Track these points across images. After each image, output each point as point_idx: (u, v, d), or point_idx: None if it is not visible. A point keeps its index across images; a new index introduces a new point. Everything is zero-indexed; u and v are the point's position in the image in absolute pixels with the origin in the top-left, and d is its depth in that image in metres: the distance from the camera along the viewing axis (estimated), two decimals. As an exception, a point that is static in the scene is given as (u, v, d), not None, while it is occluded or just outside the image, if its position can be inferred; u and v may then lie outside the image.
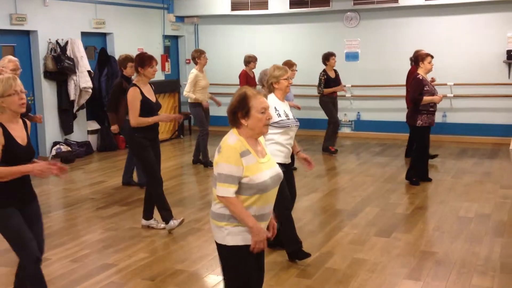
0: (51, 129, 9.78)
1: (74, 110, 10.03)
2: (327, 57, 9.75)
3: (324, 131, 10.16)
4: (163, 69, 12.54)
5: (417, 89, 7.20)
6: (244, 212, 2.98)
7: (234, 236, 3.03)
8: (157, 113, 5.73)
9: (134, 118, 5.48)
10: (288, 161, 4.95)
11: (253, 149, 3.04)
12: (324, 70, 9.73)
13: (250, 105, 3.01)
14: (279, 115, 4.78)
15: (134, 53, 11.67)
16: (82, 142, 10.17)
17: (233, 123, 3.09)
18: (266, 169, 3.04)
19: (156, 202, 5.76)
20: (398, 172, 8.41)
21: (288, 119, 4.83)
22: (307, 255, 4.92)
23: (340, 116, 11.94)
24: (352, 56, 11.88)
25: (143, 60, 5.56)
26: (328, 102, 9.79)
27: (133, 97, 5.49)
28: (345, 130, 12.07)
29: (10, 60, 5.97)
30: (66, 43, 9.77)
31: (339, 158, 9.71)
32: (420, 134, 7.40)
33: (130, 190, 7.50)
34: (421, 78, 7.24)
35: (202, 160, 8.95)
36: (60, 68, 9.55)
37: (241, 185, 2.97)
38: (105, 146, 10.50)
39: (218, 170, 2.99)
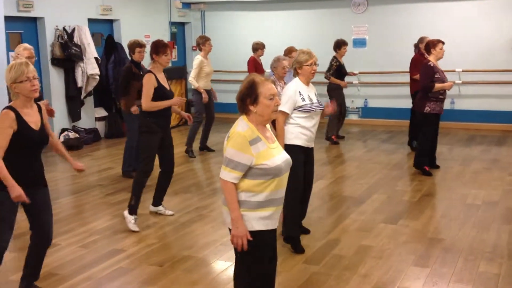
0: (59, 116, 9.78)
1: (82, 97, 10.05)
2: (339, 46, 9.57)
3: (326, 117, 10.08)
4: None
5: (427, 76, 7.11)
6: (234, 202, 3.02)
7: (250, 222, 3.05)
8: None
9: (147, 102, 5.50)
10: (311, 145, 4.97)
11: (263, 135, 3.07)
12: (335, 57, 9.61)
13: (258, 92, 3.03)
14: (303, 99, 4.78)
15: (140, 39, 11.65)
16: (89, 129, 10.21)
17: (242, 109, 3.11)
18: (277, 153, 3.10)
19: (134, 188, 5.57)
20: (405, 159, 8.39)
21: (312, 103, 4.83)
22: (303, 250, 4.88)
23: (347, 103, 11.90)
24: (359, 43, 11.81)
25: (158, 48, 5.56)
26: (336, 88, 9.69)
27: (148, 83, 5.50)
28: (352, 117, 12.04)
29: (26, 48, 5.97)
30: (73, 30, 9.77)
31: (346, 145, 9.70)
32: (428, 121, 7.32)
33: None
34: (432, 65, 7.13)
35: (186, 146, 8.92)
36: (68, 55, 9.56)
37: (258, 171, 3.00)
38: (113, 133, 10.54)
39: (225, 154, 3.04)
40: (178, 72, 12.10)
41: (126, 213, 5.59)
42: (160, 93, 5.55)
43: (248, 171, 3.02)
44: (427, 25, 10.87)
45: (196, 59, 8.77)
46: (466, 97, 11.14)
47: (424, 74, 7.18)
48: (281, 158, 3.10)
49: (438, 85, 7.09)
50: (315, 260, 4.70)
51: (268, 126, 3.21)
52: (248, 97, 3.05)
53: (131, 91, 7.10)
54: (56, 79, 9.73)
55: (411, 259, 4.70)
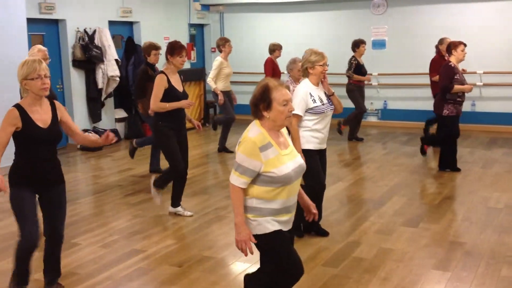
0: (79, 117, 9.92)
1: (102, 98, 10.15)
2: (357, 45, 9.62)
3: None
4: (188, 57, 12.58)
5: (447, 76, 7.04)
6: (239, 207, 3.03)
7: (263, 225, 3.07)
8: None
9: (154, 103, 5.50)
10: (323, 146, 4.96)
11: (275, 141, 3.04)
12: (354, 56, 9.61)
13: (271, 97, 3.00)
14: (314, 101, 4.76)
15: (160, 42, 11.73)
16: (110, 130, 10.28)
17: (255, 114, 3.08)
18: (289, 161, 3.05)
19: (177, 185, 5.82)
20: (425, 162, 8.32)
21: (323, 104, 4.80)
22: (301, 234, 5.09)
23: (367, 104, 11.83)
24: (379, 44, 11.74)
25: (173, 49, 5.55)
26: (355, 90, 9.68)
27: (158, 84, 5.51)
28: (371, 119, 11.98)
29: (40, 50, 6.03)
30: (94, 32, 9.87)
31: (365, 147, 9.64)
32: (446, 124, 7.24)
33: (157, 177, 7.57)
34: (452, 65, 7.07)
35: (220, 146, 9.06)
36: (88, 56, 9.66)
37: (266, 178, 2.99)
38: (132, 134, 10.61)
39: (236, 158, 3.05)
40: (197, 74, 12.15)
41: (173, 208, 5.85)
42: (171, 95, 5.52)
43: (257, 178, 3.01)
44: (447, 26, 10.77)
45: (216, 60, 8.82)
46: (487, 99, 11.00)
47: (444, 75, 7.11)
48: (291, 165, 3.05)
49: (457, 87, 7.02)
50: (334, 263, 4.67)
51: (284, 130, 3.18)
52: (261, 102, 3.02)
53: (147, 94, 7.13)
54: (77, 80, 9.84)
55: (431, 262, 4.66)
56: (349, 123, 9.92)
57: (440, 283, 4.28)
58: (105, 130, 10.10)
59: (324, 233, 5.27)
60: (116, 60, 10.01)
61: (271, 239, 3.09)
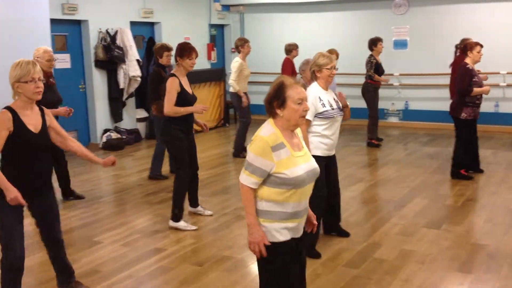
0: (101, 117, 10.03)
1: (124, 98, 10.24)
2: (375, 42, 9.42)
3: (367, 119, 9.92)
4: (209, 58, 12.64)
5: (465, 79, 6.86)
6: (250, 207, 2.90)
7: (271, 233, 2.92)
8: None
9: (169, 107, 5.35)
10: (332, 153, 4.83)
11: (288, 142, 2.92)
12: (372, 55, 9.43)
13: (286, 95, 2.89)
14: (323, 105, 4.61)
15: (180, 42, 11.79)
16: (131, 130, 10.38)
17: (269, 112, 2.98)
18: (302, 163, 2.92)
19: (178, 197, 5.51)
20: (447, 163, 8.20)
21: (333, 109, 4.67)
22: (318, 255, 4.77)
23: (388, 105, 11.79)
24: (400, 44, 11.65)
25: (183, 51, 5.41)
26: (372, 91, 9.43)
27: (171, 87, 5.36)
28: (392, 120, 11.89)
29: (46, 51, 5.90)
30: (116, 32, 9.96)
31: (386, 148, 9.57)
32: (464, 127, 7.08)
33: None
34: (470, 68, 6.90)
35: (234, 149, 8.96)
36: (110, 57, 9.75)
37: (277, 179, 2.86)
38: (153, 134, 10.66)
39: (247, 157, 2.94)
40: (217, 74, 12.19)
41: (172, 223, 5.53)
42: (183, 98, 5.40)
43: (268, 179, 2.88)
44: (470, 26, 10.63)
45: (235, 62, 8.72)
46: (510, 100, 10.84)
47: (463, 77, 6.90)
48: (305, 167, 2.92)
49: (476, 90, 6.84)
50: (355, 264, 4.65)
51: (298, 132, 3.07)
52: (276, 99, 2.92)
53: (161, 95, 7.08)
54: (99, 80, 9.94)
55: (454, 264, 4.60)
56: (374, 133, 9.66)
57: (462, 285, 4.23)
58: (126, 130, 10.22)
59: (345, 234, 5.25)
60: (137, 60, 10.09)
61: (275, 250, 2.92)
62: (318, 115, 4.61)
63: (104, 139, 9.77)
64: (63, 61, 9.45)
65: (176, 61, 5.47)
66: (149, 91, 7.52)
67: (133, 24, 10.56)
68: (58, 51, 9.34)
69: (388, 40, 11.54)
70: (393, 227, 5.54)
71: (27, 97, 3.53)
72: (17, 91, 3.52)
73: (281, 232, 2.92)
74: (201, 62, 12.49)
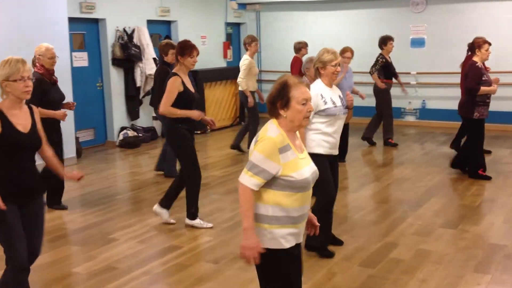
0: (118, 115, 10.10)
1: (140, 97, 10.30)
2: (385, 41, 9.19)
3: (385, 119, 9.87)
4: (225, 56, 12.66)
5: (475, 78, 6.74)
6: (249, 210, 2.76)
7: (277, 240, 2.79)
8: (194, 105, 5.46)
9: (166, 107, 5.19)
10: (335, 152, 4.65)
11: (292, 144, 2.83)
12: (381, 54, 9.21)
13: (290, 95, 2.78)
14: (325, 103, 4.46)
15: (197, 40, 11.80)
16: (147, 128, 10.44)
17: (272, 113, 2.86)
18: (306, 165, 2.85)
19: (190, 196, 5.46)
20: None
21: (335, 107, 4.52)
22: (331, 254, 4.73)
23: (404, 104, 11.71)
24: (418, 42, 11.56)
25: (184, 49, 5.26)
26: (384, 90, 9.13)
27: (173, 87, 5.20)
28: (409, 119, 11.81)
29: (48, 48, 5.83)
30: (133, 31, 10.02)
31: (403, 147, 9.50)
32: (477, 127, 6.95)
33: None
34: (480, 66, 6.79)
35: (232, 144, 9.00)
36: (127, 55, 9.81)
37: (283, 182, 2.75)
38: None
39: (251, 158, 2.78)
40: (233, 73, 12.15)
41: (188, 221, 5.53)
42: (186, 97, 5.25)
43: (273, 182, 2.76)
44: (490, 24, 10.52)
45: (245, 60, 8.53)
46: (530, 99, 10.71)
47: (472, 76, 6.78)
48: (309, 170, 2.84)
49: (484, 88, 6.73)
50: (371, 263, 4.63)
51: (297, 133, 2.97)
52: (279, 99, 2.81)
53: None
54: (116, 78, 10.01)
55: (471, 265, 4.56)
56: (389, 132, 9.40)
57: (479, 285, 4.19)
58: (143, 128, 10.29)
59: (338, 242, 5.01)
60: (154, 58, 10.13)
61: (282, 258, 2.81)
62: (319, 112, 4.46)
63: (121, 137, 9.84)
64: (80, 59, 9.54)
65: (177, 59, 5.33)
66: (155, 89, 7.42)
67: (150, 22, 10.62)
68: (76, 49, 9.44)
69: (405, 38, 11.47)
70: (409, 227, 5.50)
71: (15, 96, 3.37)
72: (5, 90, 3.36)
73: (287, 238, 2.81)
74: (217, 61, 12.53)
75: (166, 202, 5.64)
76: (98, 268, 4.59)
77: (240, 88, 8.67)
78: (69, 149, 8.50)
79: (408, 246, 4.99)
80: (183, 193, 5.53)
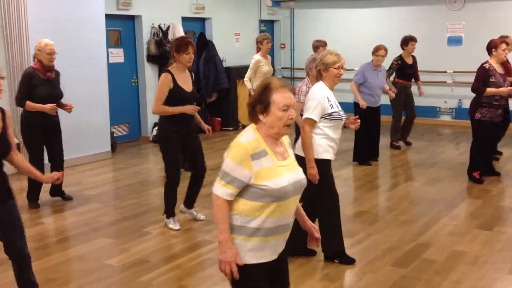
0: (151, 112, 10.20)
1: (174, 93, 10.38)
2: (406, 42, 8.84)
3: (418, 118, 9.62)
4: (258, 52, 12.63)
5: (480, 78, 6.55)
6: (224, 223, 2.56)
7: (242, 254, 2.59)
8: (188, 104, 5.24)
9: (156, 106, 5.08)
10: (334, 157, 4.47)
11: (271, 149, 2.59)
12: (400, 56, 8.85)
13: (270, 100, 2.55)
14: (332, 106, 4.27)
15: (230, 38, 11.84)
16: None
17: (251, 117, 2.64)
18: (286, 173, 2.59)
19: (167, 197, 5.42)
20: (502, 164, 7.96)
21: (341, 110, 4.38)
22: (351, 260, 4.57)
23: (440, 103, 11.52)
24: (455, 41, 11.33)
25: (180, 46, 5.09)
26: (400, 92, 8.70)
27: (162, 84, 5.05)
28: (445, 118, 11.60)
29: (47, 44, 5.81)
30: (168, 27, 10.11)
31: (438, 147, 9.35)
32: (478, 128, 6.69)
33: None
34: (487, 67, 6.56)
35: None
36: (162, 52, 9.91)
37: (256, 190, 2.54)
38: (200, 128, 10.78)
39: (223, 165, 2.58)
40: (266, 70, 12.18)
41: (165, 219, 5.49)
42: (177, 95, 5.07)
43: (246, 190, 2.55)
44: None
45: (253, 59, 8.24)
46: None
47: (478, 77, 6.61)
48: (289, 178, 2.58)
49: (490, 90, 6.47)
50: (403, 263, 4.57)
51: (285, 140, 2.73)
52: (259, 103, 2.58)
53: None
54: (150, 75, 10.13)
55: (506, 267, 4.46)
56: (397, 135, 9.12)
57: (516, 289, 4.10)
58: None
59: (310, 253, 4.74)
60: (188, 55, 10.20)
61: (245, 275, 2.58)
62: (326, 116, 4.28)
63: (154, 133, 9.94)
64: (116, 56, 9.69)
65: (173, 57, 5.15)
66: None
67: (184, 19, 10.70)
68: (112, 46, 9.58)
69: (442, 36, 11.26)
70: (444, 227, 5.41)
71: None
72: None
73: (250, 255, 2.59)
74: (250, 58, 12.50)
75: (188, 202, 5.68)
76: (130, 261, 4.66)
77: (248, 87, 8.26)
78: (104, 144, 8.65)
79: (442, 247, 4.90)
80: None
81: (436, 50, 10.96)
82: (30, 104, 5.83)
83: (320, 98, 4.27)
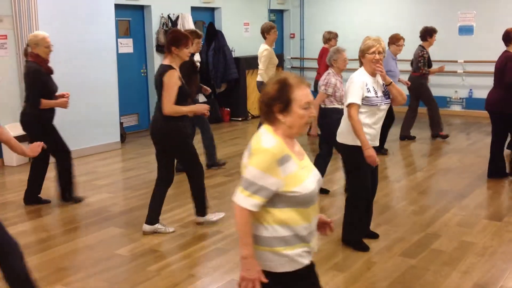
0: (161, 101, 10.22)
1: (183, 83, 10.39)
2: (431, 33, 8.66)
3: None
4: (267, 43, 12.60)
5: None
6: (248, 237, 2.38)
7: (296, 260, 2.43)
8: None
9: (170, 106, 4.75)
10: (376, 143, 4.48)
11: (292, 151, 2.42)
12: (422, 47, 8.69)
13: (291, 97, 2.36)
14: (368, 91, 4.31)
15: (240, 27, 11.81)
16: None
17: (266, 117, 2.43)
18: (309, 174, 2.44)
19: (199, 193, 5.26)
20: (512, 154, 7.91)
21: (377, 96, 4.37)
22: (366, 247, 4.61)
23: (451, 93, 11.45)
24: (466, 30, 11.24)
25: (179, 39, 4.81)
26: (423, 83, 8.75)
27: (173, 82, 4.74)
28: (455, 108, 11.53)
29: (44, 38, 5.57)
30: (177, 17, 10.11)
31: (448, 137, 9.29)
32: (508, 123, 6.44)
33: (234, 162, 7.66)
34: None
35: None
36: (171, 42, 9.90)
37: (287, 198, 2.36)
38: (211, 118, 10.79)
39: (246, 174, 2.36)
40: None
41: (202, 217, 5.33)
42: (183, 92, 4.83)
43: (276, 199, 2.35)
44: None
45: (265, 50, 7.91)
46: None
47: (510, 67, 6.30)
48: (313, 180, 2.44)
49: None
50: (412, 254, 4.57)
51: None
52: (278, 102, 2.37)
53: (192, 87, 6.45)
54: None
55: (516, 258, 4.45)
56: (437, 125, 8.99)
57: (525, 280, 4.09)
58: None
59: (374, 235, 4.88)
60: (197, 45, 10.20)
61: (280, 282, 2.43)
62: (361, 101, 4.33)
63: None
64: (126, 46, 9.71)
65: (170, 51, 4.81)
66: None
67: (194, 9, 10.69)
68: (121, 36, 9.60)
69: (453, 25, 11.17)
70: (453, 218, 5.40)
71: None
72: None
73: (303, 255, 2.43)
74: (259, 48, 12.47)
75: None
76: (140, 251, 4.70)
77: (259, 79, 8.09)
78: (114, 134, 8.70)
79: (450, 237, 4.90)
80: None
81: (447, 39, 10.85)
82: (45, 102, 5.52)
83: (359, 83, 4.34)
